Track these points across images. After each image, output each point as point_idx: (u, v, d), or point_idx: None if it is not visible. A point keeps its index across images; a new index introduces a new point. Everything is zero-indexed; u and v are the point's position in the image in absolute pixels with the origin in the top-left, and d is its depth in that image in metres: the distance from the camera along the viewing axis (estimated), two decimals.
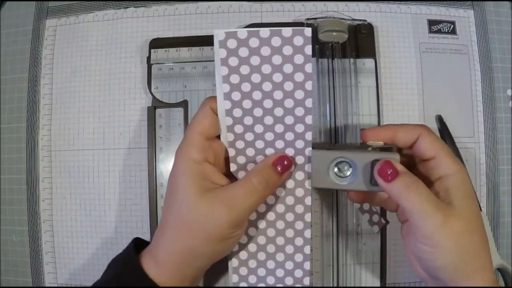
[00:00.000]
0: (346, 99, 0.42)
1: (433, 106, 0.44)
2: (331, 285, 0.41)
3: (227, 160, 0.35)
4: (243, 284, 0.36)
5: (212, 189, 0.31)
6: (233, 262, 0.36)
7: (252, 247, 0.36)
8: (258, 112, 0.33)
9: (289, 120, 0.32)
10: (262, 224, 0.36)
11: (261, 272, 0.36)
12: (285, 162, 0.33)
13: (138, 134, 0.43)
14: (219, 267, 0.37)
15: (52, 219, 0.44)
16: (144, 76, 0.43)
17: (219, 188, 0.32)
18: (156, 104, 0.43)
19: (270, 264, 0.36)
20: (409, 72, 0.44)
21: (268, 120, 0.33)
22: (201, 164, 0.32)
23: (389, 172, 0.30)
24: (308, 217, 0.35)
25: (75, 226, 0.43)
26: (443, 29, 0.45)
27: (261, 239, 0.36)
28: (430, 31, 0.45)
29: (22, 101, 0.45)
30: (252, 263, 0.36)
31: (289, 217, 0.35)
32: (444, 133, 0.42)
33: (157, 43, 0.43)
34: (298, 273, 0.36)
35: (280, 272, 0.36)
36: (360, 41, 0.43)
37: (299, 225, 0.35)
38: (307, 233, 0.35)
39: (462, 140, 0.44)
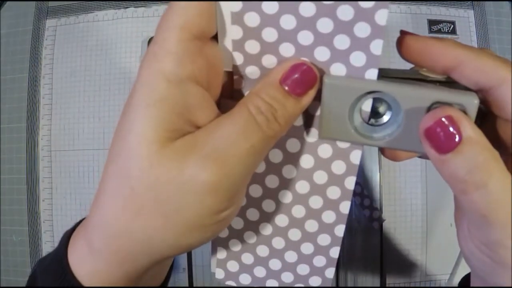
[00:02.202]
0: None
1: None
2: (330, 284, 0.41)
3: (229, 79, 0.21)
4: (230, 283, 0.26)
5: (187, 133, 0.18)
6: (219, 253, 0.25)
7: (250, 236, 0.25)
8: None
9: (346, 14, 0.18)
10: (269, 206, 0.24)
11: (260, 272, 0.26)
12: (307, 78, 0.19)
13: None
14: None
15: (52, 219, 0.44)
16: None
17: (197, 131, 0.19)
18: None
19: (275, 264, 0.25)
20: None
21: (307, 9, 0.18)
22: (181, 85, 0.18)
23: (447, 135, 0.18)
24: (345, 207, 0.23)
25: None
26: (443, 29, 0.45)
27: (266, 228, 0.24)
28: (430, 31, 0.45)
29: (22, 101, 0.45)
30: (248, 259, 0.25)
31: (315, 202, 0.23)
32: None
33: None
34: (315, 281, 0.25)
35: (288, 277, 0.25)
36: None
37: (328, 216, 0.24)
38: (339, 230, 0.24)
39: None
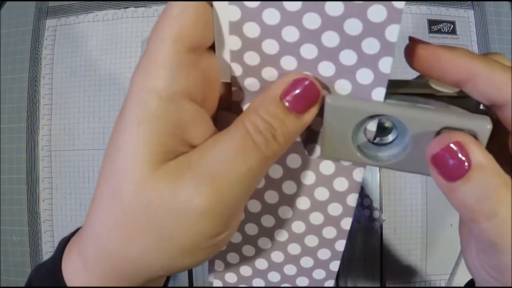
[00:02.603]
0: None
1: None
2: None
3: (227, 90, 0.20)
4: None
5: (181, 153, 0.17)
6: (217, 265, 0.25)
7: (248, 250, 0.24)
8: (292, 5, 0.17)
9: (353, 28, 0.17)
10: (268, 221, 0.23)
11: (258, 283, 0.25)
12: (309, 94, 0.18)
13: None
14: None
15: (52, 219, 0.44)
16: None
17: (191, 151, 0.17)
18: None
19: (274, 277, 0.25)
20: (410, 72, 0.44)
21: (311, 21, 0.17)
22: (174, 102, 0.17)
23: (456, 162, 0.16)
24: (346, 223, 0.23)
25: (75, 226, 0.43)
26: (443, 29, 0.45)
27: (265, 242, 0.24)
28: (430, 31, 0.45)
29: (22, 101, 0.45)
30: (246, 271, 0.25)
31: (316, 218, 0.23)
32: None
33: None
34: None
35: None
36: None
37: (329, 232, 0.23)
38: (339, 245, 0.24)
39: None
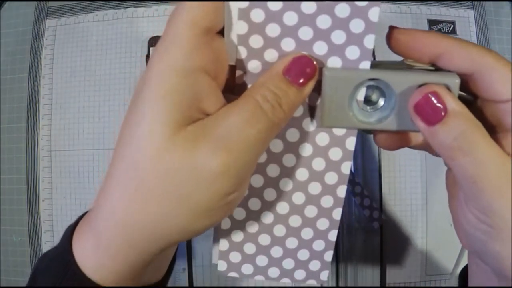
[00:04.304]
0: None
1: None
2: (330, 283, 0.41)
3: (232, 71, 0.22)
4: (233, 274, 0.27)
5: (197, 119, 0.19)
6: (222, 245, 0.26)
7: (251, 226, 0.26)
8: None
9: (343, 11, 0.20)
10: (270, 195, 0.25)
11: (262, 261, 0.26)
12: (307, 70, 0.20)
13: None
14: None
15: (52, 219, 0.44)
16: None
17: (206, 118, 0.19)
18: None
19: (276, 252, 0.26)
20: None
21: (308, 7, 0.20)
22: (192, 76, 0.19)
23: (434, 109, 0.20)
24: (341, 191, 0.25)
25: None
26: (443, 29, 0.45)
27: (267, 217, 0.25)
28: None
29: (22, 101, 0.45)
30: (250, 248, 0.26)
31: (314, 188, 0.25)
32: None
33: (156, 41, 0.43)
34: (315, 265, 0.26)
35: (289, 263, 0.26)
36: None
37: (327, 201, 0.25)
38: (336, 213, 0.25)
39: None
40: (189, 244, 0.42)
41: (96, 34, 0.45)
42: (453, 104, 0.20)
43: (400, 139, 0.24)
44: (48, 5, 0.46)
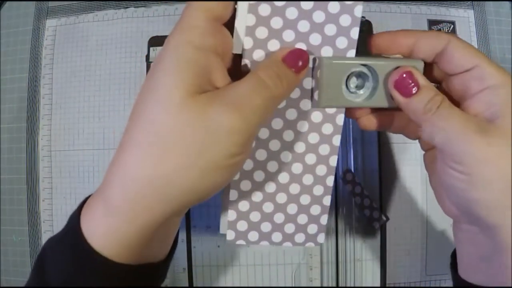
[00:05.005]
0: None
1: None
2: (330, 283, 0.41)
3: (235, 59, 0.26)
4: (240, 242, 0.29)
5: (207, 91, 0.22)
6: (230, 215, 0.29)
7: (256, 195, 0.29)
8: None
9: (334, 8, 0.25)
10: (273, 167, 0.28)
11: (266, 227, 0.29)
12: (300, 63, 0.24)
13: None
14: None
15: (52, 219, 0.44)
16: (144, 76, 0.43)
17: (217, 90, 0.23)
18: None
19: (279, 218, 0.29)
20: None
21: (307, 4, 0.25)
22: (205, 53, 0.22)
23: (408, 85, 0.25)
24: (333, 160, 0.29)
25: None
26: (443, 29, 0.45)
27: (270, 186, 0.29)
28: None
29: (22, 101, 0.45)
30: (255, 216, 0.29)
31: (310, 159, 0.28)
32: None
33: (156, 41, 0.44)
34: (312, 228, 0.30)
35: (290, 228, 0.30)
36: (358, 38, 0.43)
37: (321, 170, 0.29)
38: (330, 180, 0.29)
39: None
40: (189, 244, 0.42)
41: (96, 34, 0.45)
42: (422, 80, 0.25)
43: (380, 121, 0.29)
44: (48, 5, 0.46)
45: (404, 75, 0.25)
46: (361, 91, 0.27)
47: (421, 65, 0.26)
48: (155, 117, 0.21)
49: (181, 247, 0.42)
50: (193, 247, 0.42)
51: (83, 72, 0.44)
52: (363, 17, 0.44)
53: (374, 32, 0.44)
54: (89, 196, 0.24)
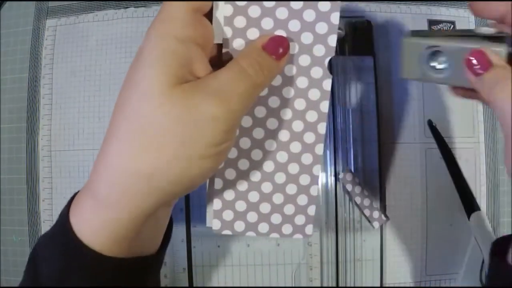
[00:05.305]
0: (344, 96, 0.42)
1: (433, 105, 0.44)
2: (330, 283, 0.41)
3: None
4: (226, 232, 0.29)
5: (189, 81, 0.22)
6: (215, 204, 0.28)
7: (242, 185, 0.28)
8: None
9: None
10: (257, 155, 0.28)
11: (252, 217, 0.28)
12: (280, 50, 0.24)
13: None
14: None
15: (52, 219, 0.44)
16: None
17: (199, 79, 0.22)
18: None
19: (265, 208, 0.28)
20: None
21: None
22: (186, 44, 0.22)
23: (478, 64, 0.26)
24: (319, 148, 0.27)
25: None
26: (443, 29, 0.45)
27: (255, 175, 0.28)
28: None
29: (22, 101, 0.45)
30: (241, 206, 0.28)
31: (295, 147, 0.28)
32: (435, 137, 0.43)
33: None
34: (300, 219, 0.29)
35: (276, 218, 0.29)
36: (357, 38, 0.44)
37: (306, 158, 0.28)
38: (316, 170, 0.28)
39: (462, 140, 0.44)
40: (189, 244, 0.42)
41: (96, 34, 0.45)
42: (496, 59, 0.26)
43: (468, 91, 0.30)
44: (48, 5, 0.46)
45: (476, 54, 0.26)
46: (442, 68, 0.29)
47: (502, 51, 0.26)
48: (138, 109, 0.21)
49: (181, 247, 0.42)
50: (193, 247, 0.42)
51: (83, 72, 0.44)
52: (363, 17, 0.44)
53: (376, 33, 0.44)
54: (78, 192, 0.24)
